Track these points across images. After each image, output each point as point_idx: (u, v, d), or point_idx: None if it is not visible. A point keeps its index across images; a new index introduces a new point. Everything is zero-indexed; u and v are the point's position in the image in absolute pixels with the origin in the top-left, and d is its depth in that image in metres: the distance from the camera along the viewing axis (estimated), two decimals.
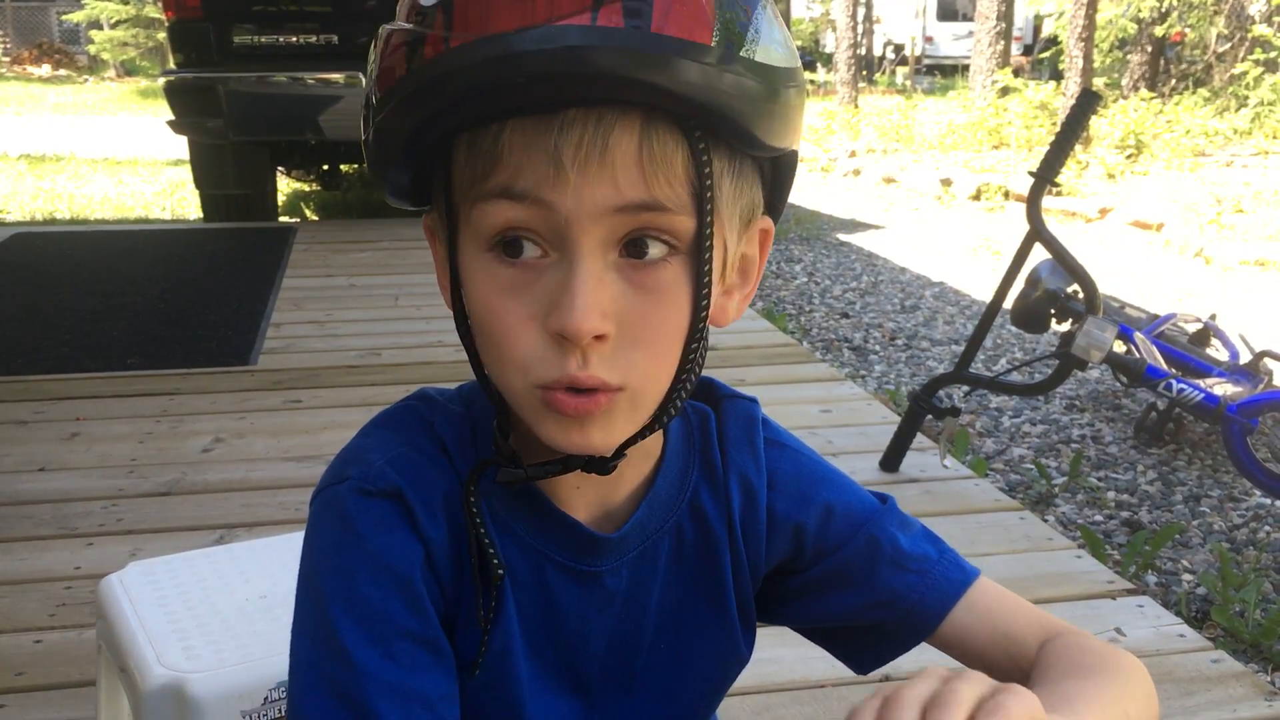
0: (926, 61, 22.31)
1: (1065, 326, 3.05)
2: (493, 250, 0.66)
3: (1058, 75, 12.27)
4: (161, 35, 15.58)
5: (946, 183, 8.52)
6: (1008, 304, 2.77)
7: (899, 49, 22.25)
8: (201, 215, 6.18)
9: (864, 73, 18.21)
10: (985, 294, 4.59)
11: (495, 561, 0.73)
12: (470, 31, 0.60)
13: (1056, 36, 12.57)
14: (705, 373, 0.77)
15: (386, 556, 0.71)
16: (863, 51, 18.48)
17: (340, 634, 0.69)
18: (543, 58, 0.59)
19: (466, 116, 0.64)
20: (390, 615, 0.70)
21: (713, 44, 0.61)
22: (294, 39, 5.36)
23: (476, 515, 0.73)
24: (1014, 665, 0.81)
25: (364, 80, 0.71)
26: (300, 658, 0.71)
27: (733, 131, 0.65)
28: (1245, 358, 3.37)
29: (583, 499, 0.77)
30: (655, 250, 0.65)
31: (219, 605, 1.23)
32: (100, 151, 10.16)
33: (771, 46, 0.65)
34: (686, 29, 0.60)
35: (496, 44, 0.60)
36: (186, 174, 6.53)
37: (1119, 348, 3.28)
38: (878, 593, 0.82)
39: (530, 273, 0.65)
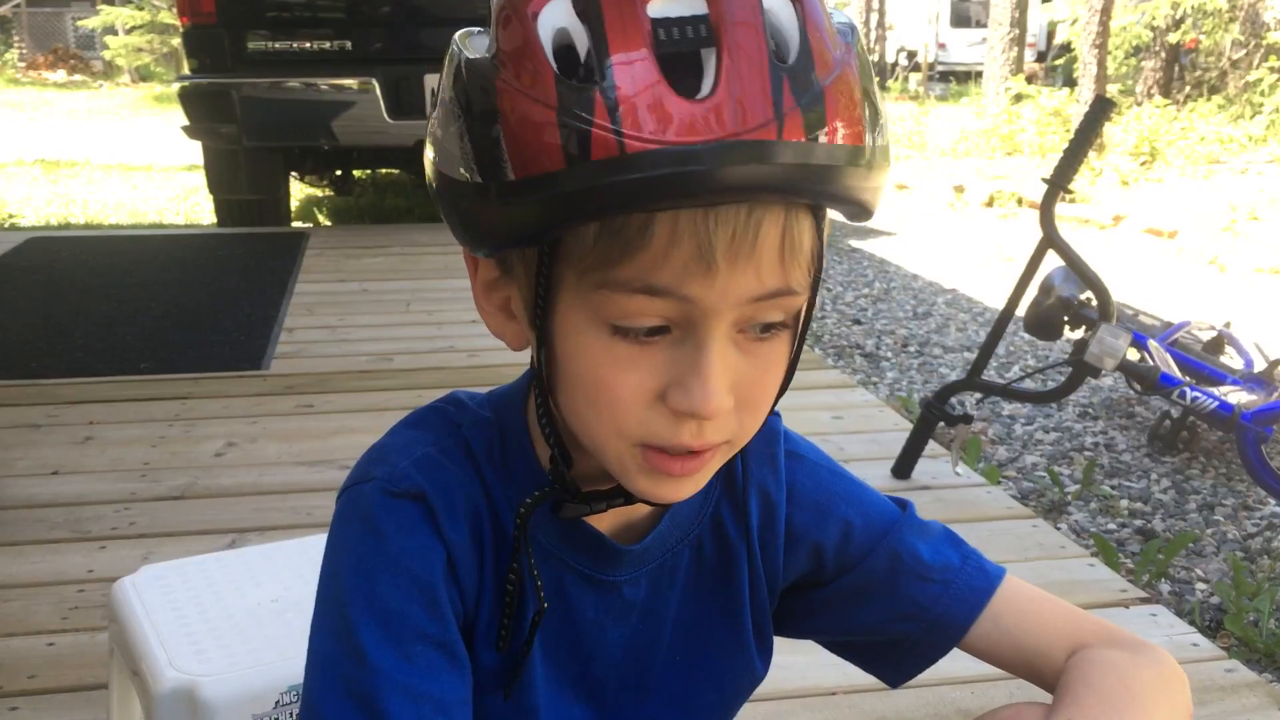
0: (940, 68, 22.27)
1: (1078, 334, 3.05)
2: (612, 329, 0.63)
3: (1071, 82, 12.25)
4: (176, 41, 15.65)
5: (959, 189, 8.51)
6: (1020, 311, 2.76)
7: (912, 55, 22.19)
8: (215, 220, 6.21)
9: (877, 79, 18.17)
10: (998, 301, 4.57)
11: (541, 595, 0.73)
12: (647, 136, 0.57)
13: (1070, 43, 12.54)
14: None
15: (408, 559, 0.71)
16: (876, 58, 18.46)
17: (358, 633, 0.69)
18: (733, 173, 0.57)
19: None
20: (409, 617, 0.70)
21: (865, 145, 0.62)
22: (308, 45, 5.38)
23: (529, 548, 0.73)
24: (1039, 678, 0.81)
25: (435, 124, 0.66)
26: (317, 654, 0.71)
27: (857, 211, 0.65)
28: (1260, 365, 3.36)
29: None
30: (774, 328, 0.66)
31: (231, 609, 1.23)
32: (115, 157, 10.20)
33: (886, 122, 0.65)
34: (851, 135, 0.61)
35: (685, 156, 0.57)
36: (200, 179, 6.55)
37: (1133, 355, 3.27)
38: (901, 605, 0.82)
39: (651, 347, 0.64)
